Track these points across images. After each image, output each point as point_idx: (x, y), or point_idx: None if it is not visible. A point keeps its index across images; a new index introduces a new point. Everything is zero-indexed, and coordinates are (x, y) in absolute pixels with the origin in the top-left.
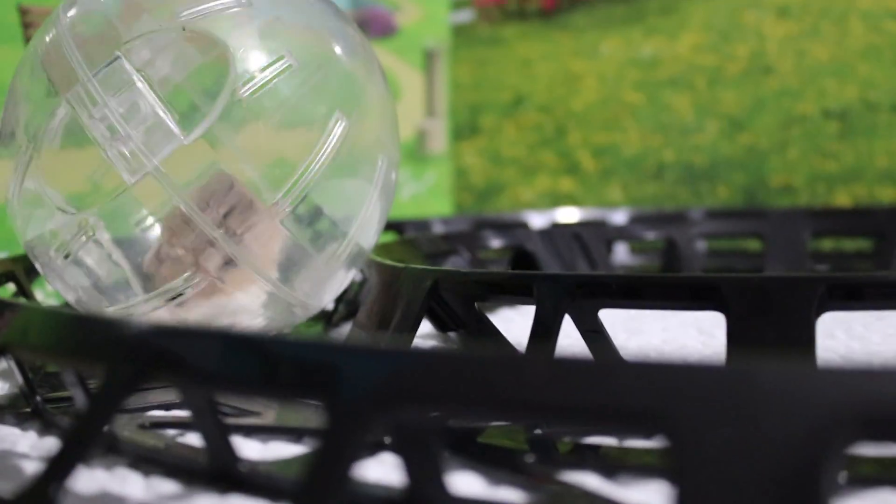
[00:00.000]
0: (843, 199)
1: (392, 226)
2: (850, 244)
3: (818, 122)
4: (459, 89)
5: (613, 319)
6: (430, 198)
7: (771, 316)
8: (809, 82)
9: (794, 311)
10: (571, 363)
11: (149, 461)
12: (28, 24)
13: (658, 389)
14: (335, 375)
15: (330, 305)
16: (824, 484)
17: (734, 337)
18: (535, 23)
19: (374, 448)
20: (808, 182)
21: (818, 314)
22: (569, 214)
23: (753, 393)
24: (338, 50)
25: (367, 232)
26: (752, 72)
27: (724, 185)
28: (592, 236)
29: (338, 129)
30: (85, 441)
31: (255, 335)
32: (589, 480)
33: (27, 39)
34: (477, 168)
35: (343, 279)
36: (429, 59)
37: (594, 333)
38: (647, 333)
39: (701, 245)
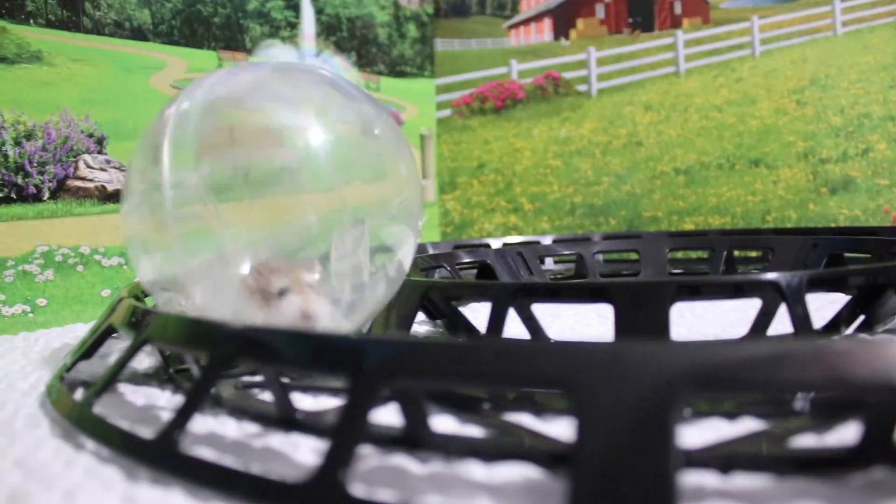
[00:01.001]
0: (689, 225)
1: None
2: (694, 254)
3: (672, 177)
4: (443, 159)
5: (543, 311)
6: (425, 230)
7: (642, 307)
8: (665, 151)
9: (656, 304)
10: (507, 346)
11: (240, 411)
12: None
13: (562, 362)
14: (358, 356)
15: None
16: (673, 418)
17: (619, 321)
18: (491, 116)
19: (384, 401)
20: (667, 215)
21: (672, 304)
22: (514, 239)
23: (625, 361)
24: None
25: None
26: (629, 145)
27: (614, 218)
28: (530, 253)
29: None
30: (199, 398)
31: (309, 331)
32: (525, 419)
33: None
34: (455, 210)
35: (382, 301)
36: (423, 141)
37: (529, 320)
38: (564, 318)
39: (599, 257)
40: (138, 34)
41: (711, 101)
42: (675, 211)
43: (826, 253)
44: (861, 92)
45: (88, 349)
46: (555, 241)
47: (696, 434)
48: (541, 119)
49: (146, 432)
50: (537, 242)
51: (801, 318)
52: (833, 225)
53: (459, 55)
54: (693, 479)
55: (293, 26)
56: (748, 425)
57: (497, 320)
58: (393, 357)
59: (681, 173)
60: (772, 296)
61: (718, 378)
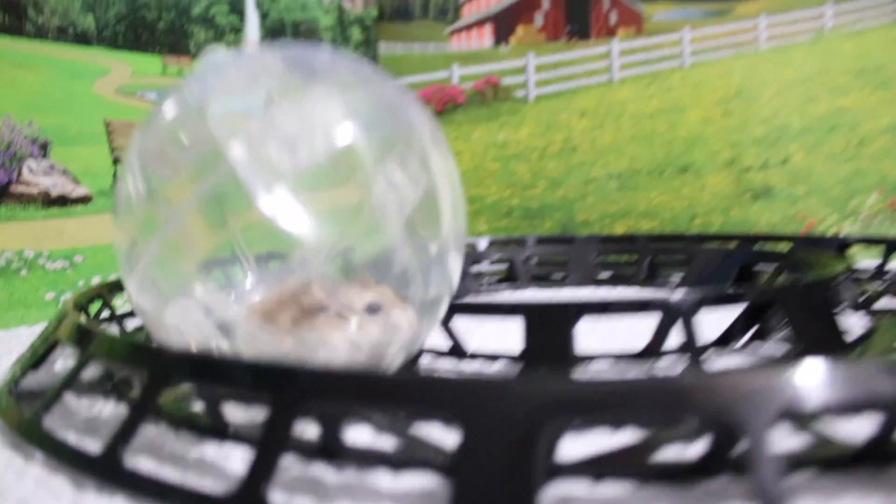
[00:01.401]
0: (620, 228)
1: None
2: (623, 257)
3: (604, 182)
4: None
5: (467, 325)
6: None
7: (548, 325)
8: (599, 157)
9: (561, 323)
10: (406, 380)
11: (179, 421)
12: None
13: (448, 395)
14: (281, 382)
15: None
16: (538, 442)
17: (528, 338)
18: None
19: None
20: (599, 218)
21: (575, 323)
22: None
23: (500, 394)
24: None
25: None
26: (565, 150)
27: (549, 221)
28: (466, 257)
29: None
30: (140, 415)
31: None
32: (435, 432)
33: (111, 147)
34: None
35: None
36: None
37: (450, 333)
38: (489, 328)
39: (534, 260)
40: (82, 39)
41: (643, 110)
42: (607, 215)
43: (738, 263)
44: (781, 104)
45: (36, 361)
46: (490, 244)
47: (582, 445)
48: (480, 123)
49: (92, 446)
50: (474, 246)
51: (690, 335)
52: (753, 231)
53: (402, 58)
54: (567, 487)
55: (237, 31)
56: (627, 437)
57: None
58: (307, 384)
59: (613, 178)
60: (667, 314)
61: (577, 410)
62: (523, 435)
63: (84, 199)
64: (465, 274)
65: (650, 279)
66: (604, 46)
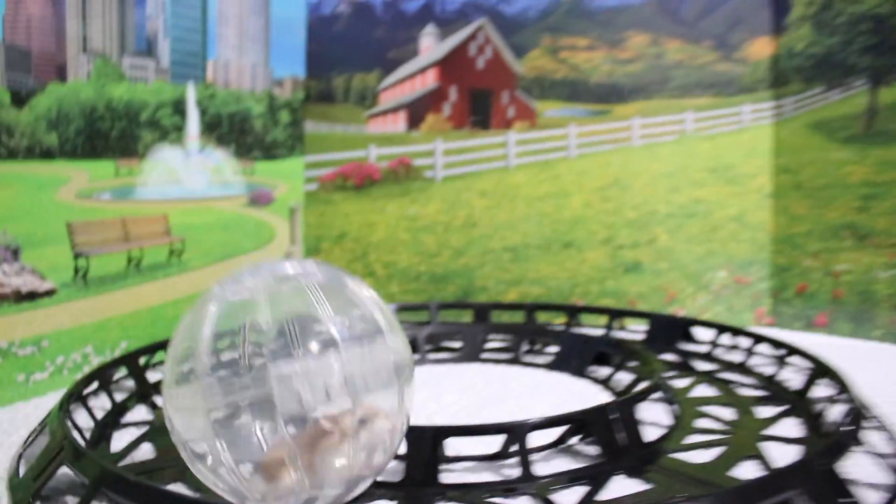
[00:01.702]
0: (512, 293)
1: None
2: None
3: (500, 253)
4: (309, 227)
5: None
6: None
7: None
8: (496, 231)
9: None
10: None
11: None
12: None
13: None
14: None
15: None
16: None
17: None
18: (351, 192)
19: None
20: (495, 284)
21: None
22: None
23: None
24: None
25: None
26: (467, 225)
27: (453, 285)
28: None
29: None
30: None
31: None
32: None
33: (72, 244)
34: None
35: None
36: (292, 213)
37: None
38: None
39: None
40: (46, 154)
41: (534, 193)
42: (501, 281)
43: (594, 350)
44: (650, 193)
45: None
46: (398, 309)
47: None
48: (394, 198)
49: None
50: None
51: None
52: (627, 299)
53: (326, 137)
54: None
55: (179, 129)
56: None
57: None
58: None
59: (508, 251)
60: (511, 434)
61: None
62: None
63: (50, 292)
64: None
65: (529, 353)
66: (502, 136)
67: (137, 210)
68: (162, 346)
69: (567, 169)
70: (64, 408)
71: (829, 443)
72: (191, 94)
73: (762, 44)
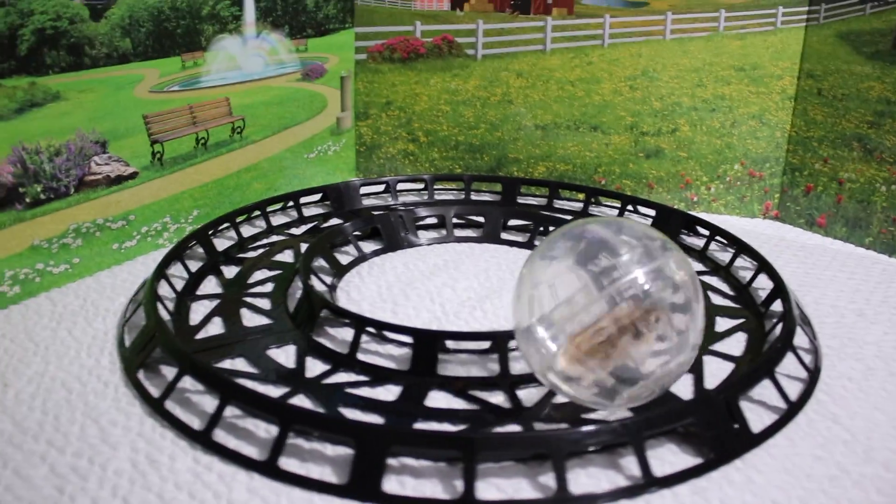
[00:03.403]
0: (541, 168)
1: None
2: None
3: (532, 130)
4: (359, 94)
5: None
6: (344, 151)
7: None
8: (529, 110)
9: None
10: None
11: None
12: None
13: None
14: None
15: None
16: None
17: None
18: (398, 64)
19: None
20: (526, 158)
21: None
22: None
23: None
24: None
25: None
26: (503, 102)
27: (487, 156)
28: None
29: None
30: None
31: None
32: None
33: (149, 133)
34: (367, 135)
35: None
36: (342, 81)
37: None
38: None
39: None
40: (123, 59)
41: (567, 77)
42: (532, 156)
43: None
44: (676, 86)
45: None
46: (424, 205)
47: None
48: (436, 72)
49: None
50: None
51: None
52: (645, 182)
53: (374, 10)
54: None
55: (237, 18)
56: None
57: None
58: None
59: (539, 128)
60: (495, 341)
61: None
62: None
63: (133, 175)
64: (407, 229)
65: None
66: (540, 21)
67: (202, 97)
68: (223, 220)
69: (599, 56)
70: (153, 289)
71: (749, 369)
72: None
73: None
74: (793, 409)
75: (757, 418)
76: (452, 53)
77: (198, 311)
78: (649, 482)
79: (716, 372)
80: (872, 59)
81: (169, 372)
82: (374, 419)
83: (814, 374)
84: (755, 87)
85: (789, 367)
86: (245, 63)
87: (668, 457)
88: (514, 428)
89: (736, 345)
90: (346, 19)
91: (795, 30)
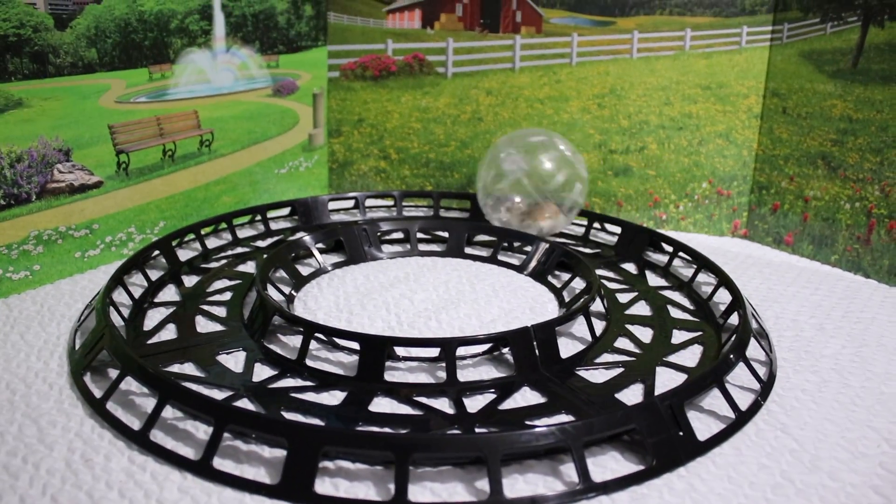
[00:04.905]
0: None
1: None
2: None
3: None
4: (331, 111)
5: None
6: (316, 168)
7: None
8: (499, 128)
9: (373, 352)
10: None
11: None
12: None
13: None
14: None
15: None
16: None
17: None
18: (370, 82)
19: None
20: None
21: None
22: (381, 197)
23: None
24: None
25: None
26: (473, 119)
27: (458, 174)
28: (372, 230)
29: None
30: None
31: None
32: None
33: (114, 143)
34: (339, 152)
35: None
36: (315, 98)
37: None
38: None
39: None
40: (89, 69)
41: (536, 95)
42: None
43: (559, 256)
44: (644, 104)
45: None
46: (389, 220)
47: None
48: (408, 90)
49: None
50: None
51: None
52: (615, 199)
53: (347, 28)
54: None
55: (207, 33)
56: None
57: None
58: None
59: None
60: (443, 348)
61: None
62: None
63: (97, 185)
64: (371, 242)
65: (508, 250)
66: (509, 40)
67: (170, 109)
68: (188, 230)
69: (568, 75)
70: (107, 294)
71: (696, 377)
72: None
73: None
74: (742, 419)
75: (705, 427)
76: (423, 71)
77: (153, 317)
78: (588, 488)
79: (667, 383)
80: (834, 78)
81: (115, 374)
82: (315, 423)
83: (766, 385)
84: (722, 106)
85: (742, 377)
86: (214, 77)
87: (610, 464)
88: (456, 433)
89: (690, 356)
90: (319, 37)
91: (760, 49)
